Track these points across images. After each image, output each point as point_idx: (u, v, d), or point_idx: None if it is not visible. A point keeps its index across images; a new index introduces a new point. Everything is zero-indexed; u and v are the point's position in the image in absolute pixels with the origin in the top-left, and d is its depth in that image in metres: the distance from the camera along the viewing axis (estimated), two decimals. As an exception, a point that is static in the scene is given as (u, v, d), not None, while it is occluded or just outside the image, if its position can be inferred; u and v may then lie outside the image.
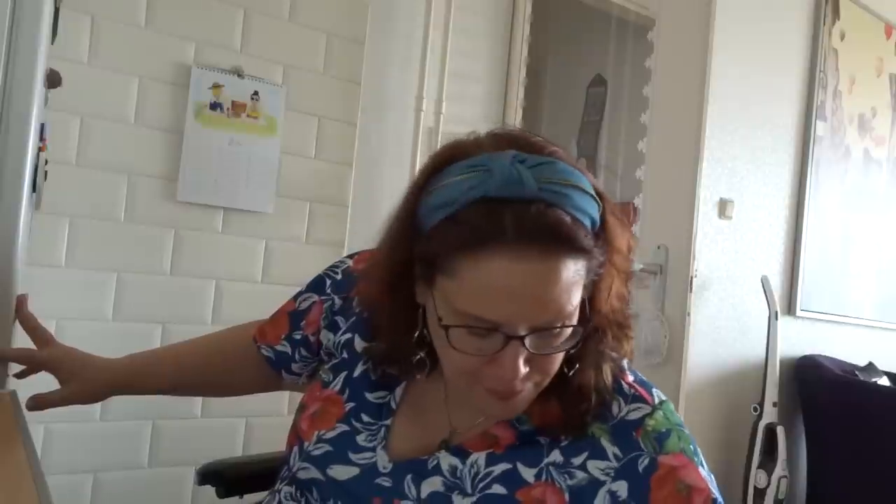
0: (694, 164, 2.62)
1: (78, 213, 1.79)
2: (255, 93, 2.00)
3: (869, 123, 3.30)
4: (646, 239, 2.69)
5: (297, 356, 0.96)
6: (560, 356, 0.71)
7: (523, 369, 0.68)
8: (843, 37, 3.12)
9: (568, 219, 0.66)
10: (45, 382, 0.99)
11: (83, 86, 1.77)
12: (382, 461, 0.78)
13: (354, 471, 0.79)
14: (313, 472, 0.80)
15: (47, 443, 1.75)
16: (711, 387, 2.72)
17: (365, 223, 2.16)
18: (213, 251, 1.96)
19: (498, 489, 0.73)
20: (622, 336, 0.76)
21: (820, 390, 2.84)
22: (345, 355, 0.87)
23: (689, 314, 2.59)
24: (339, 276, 0.94)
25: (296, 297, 0.97)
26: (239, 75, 1.97)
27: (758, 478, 2.64)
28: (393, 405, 0.82)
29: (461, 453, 0.76)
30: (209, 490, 1.14)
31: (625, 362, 0.78)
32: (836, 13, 3.08)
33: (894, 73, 3.40)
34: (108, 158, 1.82)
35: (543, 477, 0.73)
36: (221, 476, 1.15)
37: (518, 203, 0.65)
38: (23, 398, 0.95)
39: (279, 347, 0.97)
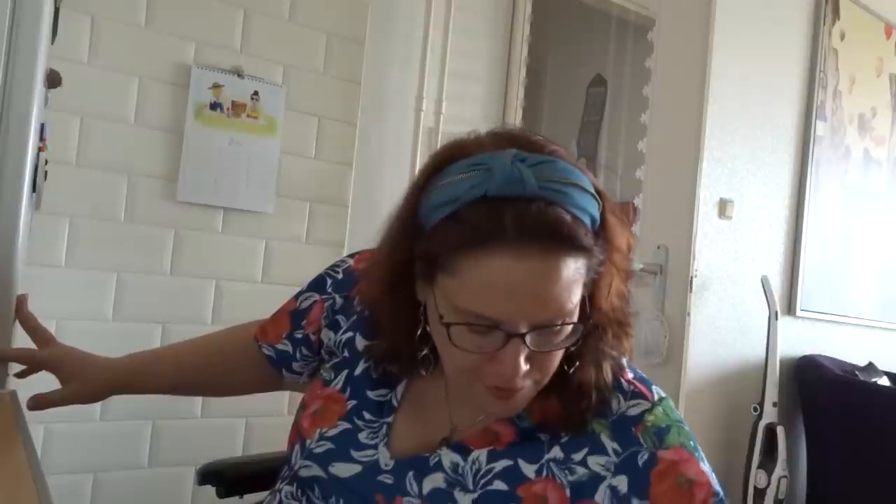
0: (694, 164, 2.62)
1: (78, 213, 1.79)
2: (255, 93, 2.00)
3: (869, 123, 3.30)
4: (646, 239, 2.69)
5: (297, 355, 0.96)
6: (559, 354, 0.71)
7: (524, 367, 0.68)
8: (843, 37, 3.12)
9: (568, 217, 0.66)
10: (45, 382, 0.99)
11: (83, 86, 1.77)
12: (384, 458, 0.79)
13: (356, 468, 0.79)
14: (315, 470, 0.81)
15: (47, 443, 1.75)
16: (711, 387, 2.72)
17: (365, 223, 2.16)
18: (213, 251, 1.96)
19: (499, 485, 0.74)
20: (622, 334, 0.76)
21: (820, 390, 2.84)
22: (346, 354, 0.88)
23: (689, 314, 2.59)
24: (340, 276, 0.95)
25: (297, 297, 0.97)
26: (239, 75, 1.97)
27: (758, 478, 2.64)
28: (394, 403, 0.83)
29: (462, 450, 0.77)
30: (209, 490, 1.14)
31: (624, 360, 0.79)
32: (836, 13, 3.08)
33: (894, 73, 3.40)
34: (108, 158, 1.82)
35: (544, 473, 0.73)
36: (221, 476, 1.15)
37: (519, 202, 0.65)
38: (23, 398, 0.95)
39: (280, 346, 0.97)
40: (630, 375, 0.78)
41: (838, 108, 3.14)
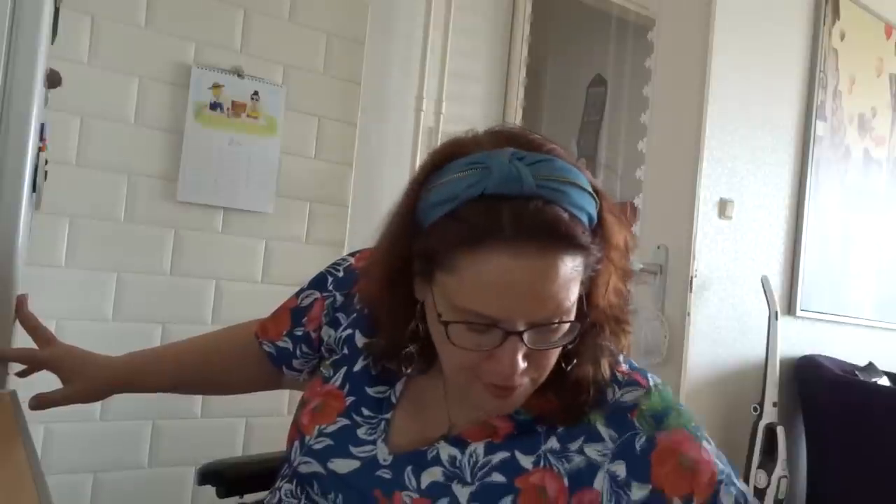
0: (694, 164, 2.62)
1: (78, 213, 1.79)
2: (255, 93, 2.00)
3: (869, 123, 3.30)
4: (646, 239, 2.69)
5: (298, 352, 0.96)
6: (556, 352, 0.72)
7: (521, 364, 0.69)
8: (843, 37, 3.12)
9: (566, 215, 0.66)
10: (46, 382, 0.99)
11: (83, 86, 1.77)
12: (382, 454, 0.79)
13: (355, 464, 0.79)
14: (314, 466, 0.81)
15: (47, 443, 1.75)
16: (711, 387, 2.72)
17: (365, 223, 2.16)
18: (213, 251, 1.96)
19: (497, 477, 0.74)
20: (620, 331, 0.76)
21: (820, 390, 2.84)
22: (345, 351, 0.88)
23: (689, 314, 2.59)
24: (340, 274, 0.95)
25: (297, 294, 0.98)
26: (239, 75, 1.98)
27: (758, 478, 2.63)
28: (393, 399, 0.83)
29: (460, 443, 0.77)
30: (209, 490, 1.15)
31: (621, 356, 0.79)
32: (836, 13, 3.08)
33: (894, 73, 3.40)
34: (108, 158, 1.83)
35: (541, 463, 0.74)
36: (221, 476, 1.15)
37: (516, 200, 0.65)
38: (23, 398, 0.95)
39: (280, 343, 0.97)
40: (625, 367, 0.79)
41: (838, 108, 3.14)
